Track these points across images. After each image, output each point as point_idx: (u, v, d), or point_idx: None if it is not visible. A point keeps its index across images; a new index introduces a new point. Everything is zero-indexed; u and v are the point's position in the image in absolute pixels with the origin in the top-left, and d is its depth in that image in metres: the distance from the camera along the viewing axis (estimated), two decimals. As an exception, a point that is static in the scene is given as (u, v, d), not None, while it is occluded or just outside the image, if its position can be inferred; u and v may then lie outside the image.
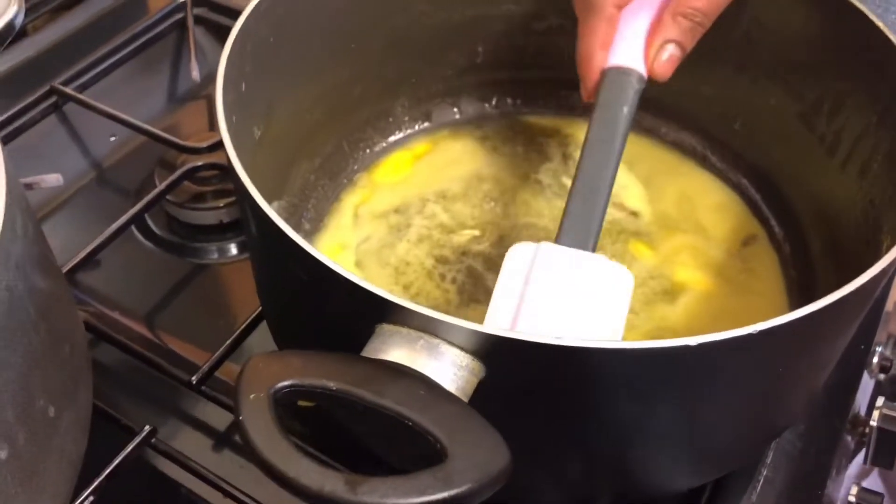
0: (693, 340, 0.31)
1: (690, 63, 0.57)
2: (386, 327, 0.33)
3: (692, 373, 0.34)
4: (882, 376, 0.58)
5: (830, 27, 0.49)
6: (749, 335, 0.32)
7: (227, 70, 0.42)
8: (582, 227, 0.41)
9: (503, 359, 0.32)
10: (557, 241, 0.41)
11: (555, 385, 0.33)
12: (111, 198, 0.67)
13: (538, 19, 0.60)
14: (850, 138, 0.49)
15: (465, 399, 0.32)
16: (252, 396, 0.28)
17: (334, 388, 0.29)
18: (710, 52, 0.56)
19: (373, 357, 0.32)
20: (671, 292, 0.53)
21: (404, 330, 0.33)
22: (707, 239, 0.56)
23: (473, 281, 0.53)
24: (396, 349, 0.32)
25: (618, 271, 0.40)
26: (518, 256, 0.40)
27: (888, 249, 0.41)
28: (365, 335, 0.34)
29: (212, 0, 0.76)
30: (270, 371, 0.29)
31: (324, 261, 0.33)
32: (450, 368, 0.32)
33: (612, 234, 0.56)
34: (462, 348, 0.32)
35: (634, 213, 0.57)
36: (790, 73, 0.53)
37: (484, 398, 0.33)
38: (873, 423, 0.54)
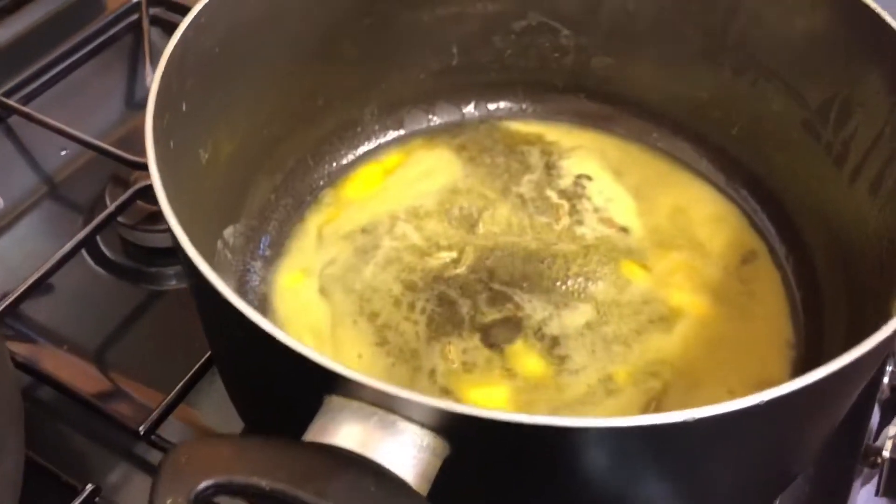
0: (692, 415, 0.27)
1: (682, 64, 0.53)
2: (336, 400, 0.28)
3: (689, 446, 0.29)
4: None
5: (838, 27, 0.45)
6: (755, 406, 0.28)
7: (161, 92, 0.37)
8: None
9: (472, 438, 0.28)
10: None
11: (531, 466, 0.29)
12: (62, 218, 0.62)
13: (517, 18, 0.55)
14: (861, 149, 0.45)
15: (427, 484, 0.28)
16: (170, 502, 0.24)
17: (268, 489, 0.24)
18: (703, 52, 0.52)
19: (318, 441, 0.27)
20: (667, 319, 0.48)
21: (356, 404, 0.28)
22: (704, 256, 0.51)
23: (446, 310, 0.48)
24: (347, 427, 0.28)
25: None
26: None
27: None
28: (314, 406, 0.29)
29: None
30: (195, 466, 0.25)
31: (263, 326, 0.29)
32: (408, 450, 0.27)
33: (602, 252, 0.51)
34: (423, 425, 0.28)
35: (624, 229, 0.53)
36: (793, 77, 0.48)
37: (449, 478, 0.28)
38: (886, 452, 0.50)
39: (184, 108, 0.40)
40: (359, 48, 0.52)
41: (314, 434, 0.28)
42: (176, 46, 0.39)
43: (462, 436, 0.28)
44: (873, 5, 0.42)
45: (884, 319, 0.32)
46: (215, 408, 0.48)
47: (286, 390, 0.31)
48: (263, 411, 0.38)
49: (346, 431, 0.28)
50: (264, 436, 0.26)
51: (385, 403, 0.28)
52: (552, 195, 0.55)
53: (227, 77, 0.44)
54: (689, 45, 0.52)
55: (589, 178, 0.55)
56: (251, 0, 0.44)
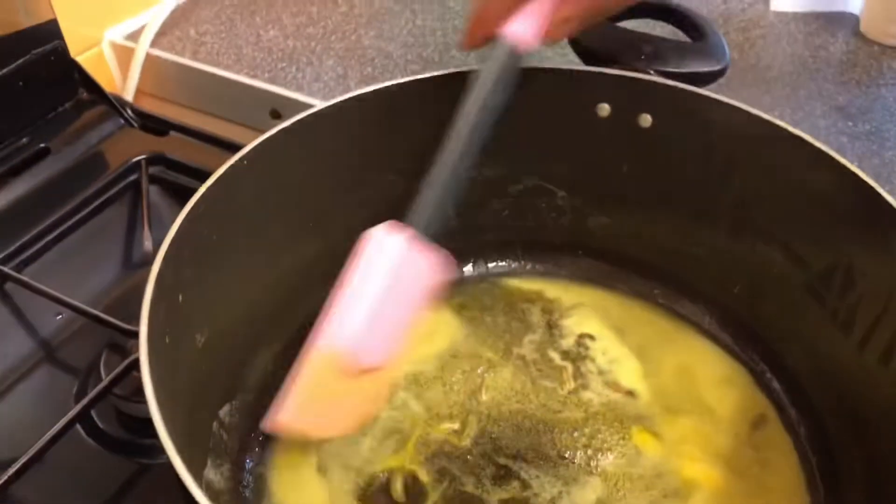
0: None
1: (679, 224, 0.53)
2: None
3: None
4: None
5: (834, 194, 0.45)
6: None
7: (156, 290, 0.37)
8: (423, 211, 0.45)
9: None
10: (407, 221, 0.45)
11: None
12: (57, 384, 0.60)
13: (513, 182, 0.55)
14: (867, 318, 0.44)
15: None
16: None
17: None
18: (699, 213, 0.52)
19: None
20: (681, 493, 0.46)
21: None
22: (714, 422, 0.50)
23: (449, 488, 0.46)
24: None
25: (434, 262, 0.45)
26: (372, 243, 0.44)
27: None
28: None
29: (168, 158, 0.71)
30: None
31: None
32: None
33: (610, 419, 0.50)
34: None
35: (631, 393, 0.51)
36: (793, 241, 0.48)
37: None
38: None
39: (180, 299, 0.40)
40: (354, 219, 0.52)
41: None
42: (173, 241, 0.38)
43: None
44: (860, 173, 0.42)
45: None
46: None
47: None
48: None
49: None
50: None
51: None
52: (555, 357, 0.54)
53: (224, 262, 0.44)
54: (683, 207, 0.52)
55: (592, 337, 0.55)
56: (247, 184, 0.44)
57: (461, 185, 0.46)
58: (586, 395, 0.51)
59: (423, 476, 0.47)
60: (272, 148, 0.45)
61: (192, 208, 0.40)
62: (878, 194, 0.41)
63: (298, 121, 0.46)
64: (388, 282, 0.43)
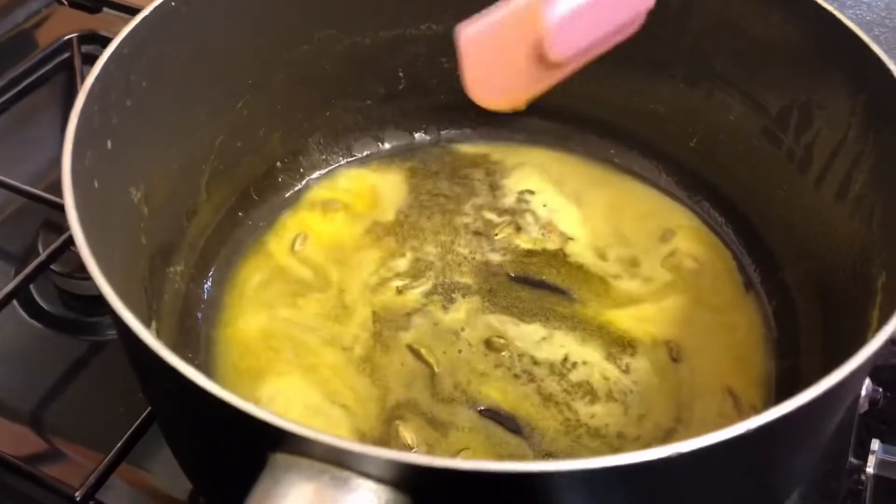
0: (675, 450, 0.25)
1: (635, 78, 0.51)
2: (282, 458, 0.26)
3: (667, 483, 0.27)
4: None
5: (793, 30, 0.43)
6: (741, 435, 0.25)
7: (81, 128, 0.34)
8: None
9: (435, 490, 0.25)
10: None
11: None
12: (-8, 268, 0.58)
13: (463, 37, 0.53)
14: (824, 153, 0.43)
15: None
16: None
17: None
18: (656, 65, 0.50)
19: (263, 505, 0.24)
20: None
21: (305, 462, 0.25)
22: (671, 274, 0.49)
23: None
24: (295, 488, 0.25)
25: None
26: None
27: (884, 288, 0.35)
28: (259, 463, 0.26)
29: (101, 35, 0.67)
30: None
31: (195, 379, 0.26)
32: (365, 510, 0.25)
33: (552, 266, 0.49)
34: (380, 480, 0.25)
35: (571, 238, 0.50)
36: (750, 85, 0.47)
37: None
38: (870, 469, 0.48)
39: (109, 145, 0.37)
40: (297, 77, 0.49)
41: (258, 498, 0.25)
42: (96, 80, 0.36)
43: (424, 488, 0.25)
44: (825, 4, 0.41)
45: (861, 329, 0.30)
46: (162, 466, 0.45)
47: (227, 449, 0.29)
48: (208, 471, 0.35)
49: (295, 493, 0.25)
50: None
51: (337, 459, 0.25)
52: (492, 216, 0.52)
53: (158, 111, 0.42)
54: (640, 59, 0.50)
55: (532, 192, 0.53)
56: (178, 29, 0.41)
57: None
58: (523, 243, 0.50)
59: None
60: (205, -9, 0.42)
61: (116, 49, 0.37)
62: (837, 19, 0.40)
63: (231, -39, 0.43)
64: None
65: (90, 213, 0.34)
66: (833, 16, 0.40)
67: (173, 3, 0.41)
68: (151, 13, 0.40)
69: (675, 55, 0.49)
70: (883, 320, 0.30)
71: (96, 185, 0.35)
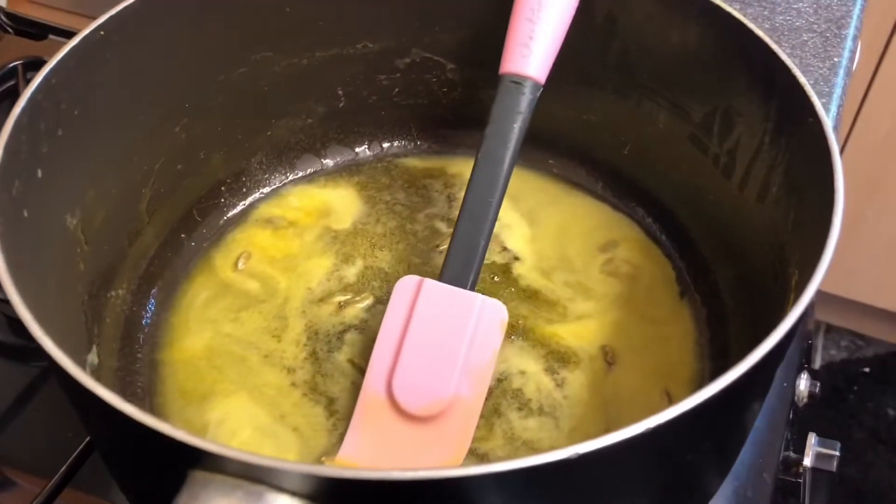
0: (574, 451, 0.26)
1: (568, 90, 0.52)
2: (199, 475, 0.26)
3: (577, 484, 0.28)
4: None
5: (712, 41, 0.45)
6: (645, 433, 0.26)
7: (7, 161, 0.35)
8: (463, 265, 0.43)
9: (349, 501, 0.26)
10: (441, 276, 0.43)
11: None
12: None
13: (400, 55, 0.54)
14: (745, 158, 0.45)
15: (303, 557, 0.25)
16: None
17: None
18: (585, 77, 0.51)
19: (178, 522, 0.25)
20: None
21: (219, 478, 0.26)
22: (607, 277, 0.51)
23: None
24: (211, 503, 0.26)
25: (493, 306, 0.43)
26: (404, 290, 0.43)
27: (797, 286, 0.37)
28: (179, 480, 0.27)
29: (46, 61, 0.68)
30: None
31: (109, 400, 0.26)
32: (278, 523, 0.25)
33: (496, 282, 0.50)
34: (294, 493, 0.26)
35: (516, 258, 0.51)
36: (674, 93, 0.48)
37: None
38: (807, 461, 0.50)
39: (39, 174, 0.38)
40: (235, 99, 0.50)
41: (175, 514, 0.26)
42: (23, 111, 0.36)
43: (339, 500, 0.26)
44: (737, 15, 0.42)
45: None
46: (108, 490, 0.45)
47: (152, 467, 0.29)
48: (141, 490, 0.35)
49: (211, 509, 0.26)
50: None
51: (250, 474, 0.26)
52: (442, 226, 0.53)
53: (93, 139, 0.42)
54: (571, 71, 0.51)
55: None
56: (107, 57, 0.42)
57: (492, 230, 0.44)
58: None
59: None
60: (133, 18, 0.42)
61: (44, 80, 0.38)
62: (748, 28, 0.41)
63: (159, -11, 0.44)
64: (419, 325, 0.42)
65: (18, 242, 0.34)
66: (744, 26, 0.42)
67: (102, 33, 0.41)
68: (79, 43, 0.40)
69: (603, 67, 0.50)
70: (787, 315, 0.31)
71: (25, 213, 0.36)
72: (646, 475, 0.32)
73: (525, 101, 0.45)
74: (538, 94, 0.45)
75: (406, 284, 0.43)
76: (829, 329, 1.49)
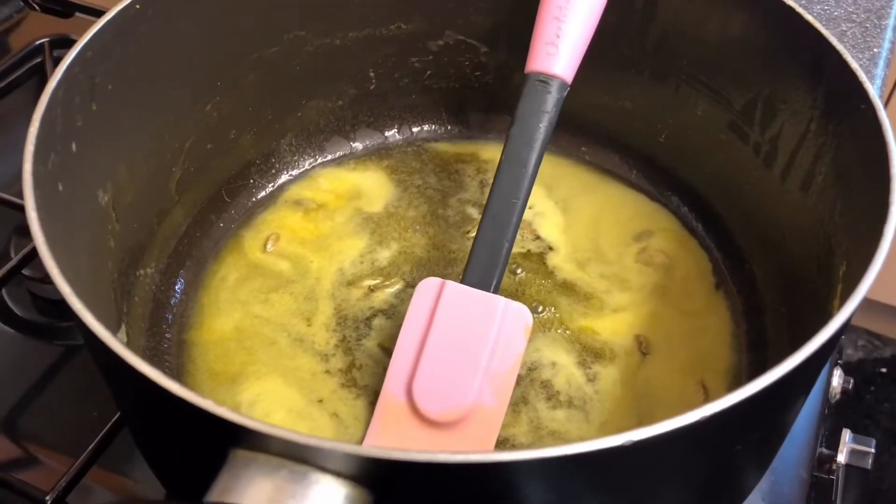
0: (627, 438, 0.25)
1: (604, 76, 0.52)
2: (241, 454, 0.26)
3: (626, 472, 0.27)
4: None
5: (756, 26, 0.44)
6: (700, 421, 0.26)
7: (44, 132, 0.34)
8: (486, 268, 0.42)
9: (396, 483, 0.25)
10: (463, 279, 0.42)
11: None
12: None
13: (433, 38, 0.53)
14: (789, 147, 0.44)
15: (348, 540, 0.25)
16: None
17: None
18: (622, 62, 0.51)
19: (222, 501, 0.25)
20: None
21: (262, 457, 0.25)
22: (643, 271, 0.50)
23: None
24: (254, 484, 0.25)
25: (517, 310, 0.42)
26: (425, 292, 0.42)
27: (845, 277, 0.36)
28: (219, 460, 0.26)
29: (73, 39, 0.67)
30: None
31: (155, 378, 0.26)
32: (323, 504, 0.25)
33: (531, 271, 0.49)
34: (339, 474, 0.25)
35: (550, 247, 0.51)
36: (714, 79, 0.47)
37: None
38: (841, 458, 0.49)
39: (73, 148, 0.37)
40: (267, 78, 0.49)
41: (218, 494, 0.25)
42: (59, 83, 0.36)
43: (384, 482, 0.25)
44: (789, 1, 0.41)
45: (823, 320, 0.31)
46: (135, 469, 0.45)
47: (191, 446, 0.29)
48: (176, 470, 0.35)
49: (253, 488, 0.25)
50: (166, 499, 0.24)
51: (294, 454, 0.25)
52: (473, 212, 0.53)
53: (125, 114, 0.42)
54: (608, 56, 0.50)
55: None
56: (143, 31, 0.41)
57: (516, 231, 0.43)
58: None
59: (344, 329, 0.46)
60: (168, -7, 0.42)
61: (80, 52, 0.37)
62: (797, 13, 0.40)
63: (196, -37, 0.43)
64: (440, 328, 0.41)
65: (54, 216, 0.34)
66: (792, 10, 0.41)
67: (137, 6, 0.41)
68: (115, 16, 0.40)
69: (641, 51, 0.50)
70: (842, 307, 0.31)
71: (60, 188, 0.35)
72: (689, 468, 0.31)
73: (551, 100, 0.44)
74: (565, 94, 0.45)
75: (428, 286, 0.42)
76: (847, 328, 1.48)
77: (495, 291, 0.42)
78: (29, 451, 0.47)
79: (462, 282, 0.42)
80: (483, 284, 0.42)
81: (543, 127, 0.44)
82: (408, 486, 0.26)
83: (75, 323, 0.32)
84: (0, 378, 0.51)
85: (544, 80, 0.44)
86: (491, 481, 0.26)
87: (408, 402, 0.40)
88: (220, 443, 0.26)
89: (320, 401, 0.43)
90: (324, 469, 0.25)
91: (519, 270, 0.49)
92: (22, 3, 0.70)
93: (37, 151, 0.33)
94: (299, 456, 0.25)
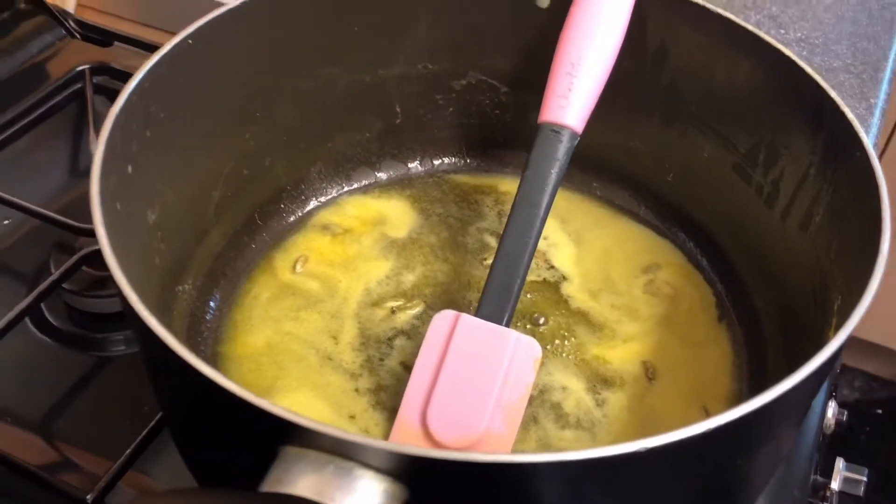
0: (641, 445, 0.28)
1: (616, 117, 0.55)
2: (291, 451, 0.28)
3: (637, 477, 0.30)
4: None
5: (761, 76, 0.47)
6: (706, 432, 0.28)
7: (107, 154, 0.37)
8: (499, 302, 0.44)
9: (430, 480, 0.28)
10: (477, 312, 0.44)
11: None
12: (5, 288, 0.61)
13: (457, 77, 0.57)
14: (789, 189, 0.47)
15: (387, 530, 0.27)
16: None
17: (225, 540, 0.24)
18: (634, 104, 0.54)
19: (273, 491, 0.27)
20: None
21: (312, 454, 0.28)
22: (650, 302, 0.53)
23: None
24: (303, 477, 0.28)
25: (527, 344, 0.44)
26: (441, 324, 0.44)
27: (839, 310, 0.39)
28: (269, 458, 0.29)
29: (113, 67, 0.71)
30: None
31: (214, 378, 0.29)
32: (366, 497, 0.27)
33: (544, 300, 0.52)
34: (380, 470, 0.28)
35: (563, 277, 0.54)
36: (721, 124, 0.50)
37: (409, 524, 0.28)
38: (834, 485, 0.51)
39: (129, 170, 0.40)
40: (301, 111, 0.53)
41: (270, 485, 0.28)
42: (121, 110, 0.39)
43: (420, 479, 0.28)
44: (787, 51, 0.45)
45: (819, 349, 0.33)
46: (168, 473, 0.47)
47: (240, 444, 0.31)
48: (218, 469, 0.37)
49: (303, 481, 0.28)
50: (222, 488, 0.26)
51: (340, 451, 0.28)
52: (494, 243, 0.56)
53: (172, 140, 0.45)
54: (621, 98, 0.54)
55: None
56: (193, 65, 0.45)
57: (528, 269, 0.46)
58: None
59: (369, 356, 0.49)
60: (217, 29, 0.45)
61: (139, 82, 0.41)
62: (798, 66, 0.44)
63: (244, 2, 0.46)
64: (454, 358, 0.43)
65: (113, 233, 0.37)
66: (793, 61, 0.44)
67: (190, 42, 0.44)
68: (170, 50, 0.43)
69: (652, 96, 0.53)
70: (835, 336, 0.34)
71: (118, 206, 0.39)
72: (694, 476, 0.34)
73: (562, 148, 0.47)
74: (575, 143, 0.48)
75: (443, 318, 0.44)
76: (844, 369, 1.50)
77: (507, 324, 0.44)
78: (64, 454, 0.50)
79: (476, 315, 0.44)
80: (496, 318, 0.44)
81: (555, 172, 0.46)
82: (440, 484, 0.29)
83: (133, 328, 0.34)
84: (37, 385, 0.54)
85: (556, 129, 0.47)
86: (520, 481, 0.28)
87: (422, 428, 0.42)
88: (271, 440, 0.29)
89: (352, 417, 0.46)
90: (367, 465, 0.28)
91: (531, 296, 0.52)
92: (63, 32, 0.74)
93: (102, 172, 0.36)
94: (345, 453, 0.28)
